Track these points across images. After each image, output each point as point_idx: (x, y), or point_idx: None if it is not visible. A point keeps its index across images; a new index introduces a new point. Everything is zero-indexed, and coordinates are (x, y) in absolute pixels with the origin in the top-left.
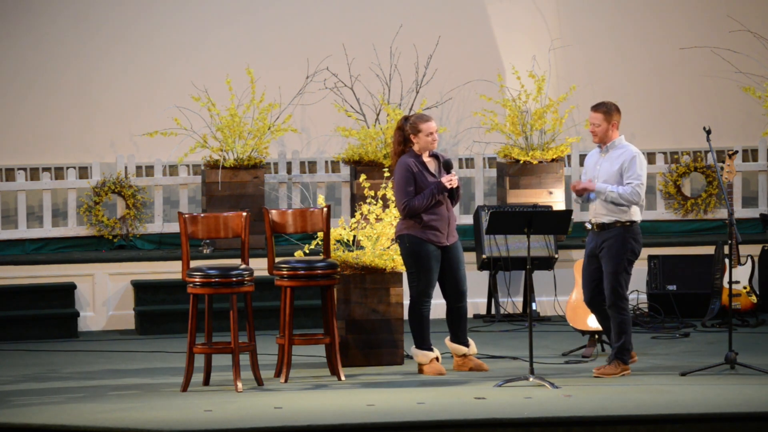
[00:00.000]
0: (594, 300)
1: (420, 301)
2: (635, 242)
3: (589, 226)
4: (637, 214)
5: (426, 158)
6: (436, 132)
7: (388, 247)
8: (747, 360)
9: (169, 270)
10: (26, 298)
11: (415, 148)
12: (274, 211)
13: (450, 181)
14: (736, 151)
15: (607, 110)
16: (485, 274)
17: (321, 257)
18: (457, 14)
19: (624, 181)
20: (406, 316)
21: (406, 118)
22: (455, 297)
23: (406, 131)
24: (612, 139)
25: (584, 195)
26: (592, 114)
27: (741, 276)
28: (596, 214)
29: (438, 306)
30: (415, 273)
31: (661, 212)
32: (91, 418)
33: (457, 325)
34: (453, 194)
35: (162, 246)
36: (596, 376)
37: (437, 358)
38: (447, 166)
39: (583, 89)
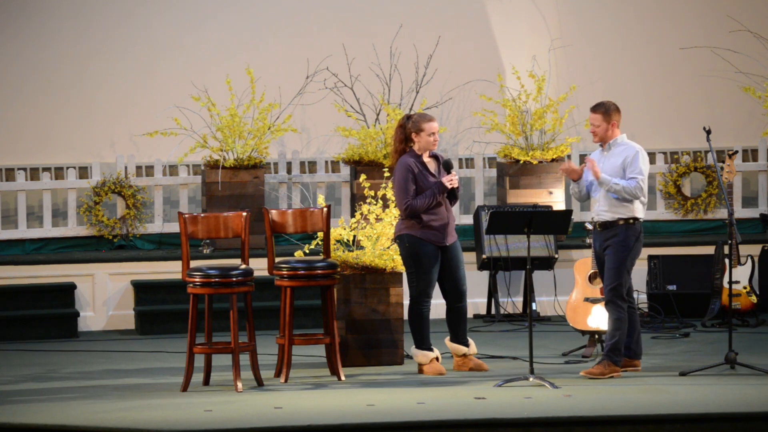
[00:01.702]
0: None
1: (420, 301)
2: (637, 241)
3: (590, 226)
4: (640, 211)
5: (426, 158)
6: (438, 132)
7: (388, 247)
8: (747, 360)
9: (169, 270)
10: (26, 298)
11: (415, 147)
12: (274, 211)
13: (451, 181)
14: (736, 151)
15: (606, 110)
16: (485, 274)
17: (321, 257)
18: (457, 14)
19: (627, 176)
20: (406, 316)
21: (408, 117)
22: (455, 297)
23: (408, 129)
24: (613, 137)
25: (581, 184)
26: (591, 115)
27: (741, 276)
28: (598, 212)
29: (438, 306)
30: (415, 273)
31: (661, 212)
32: (91, 418)
33: (457, 325)
34: (453, 194)
35: (162, 246)
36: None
37: (437, 358)
38: (447, 167)
39: (583, 89)
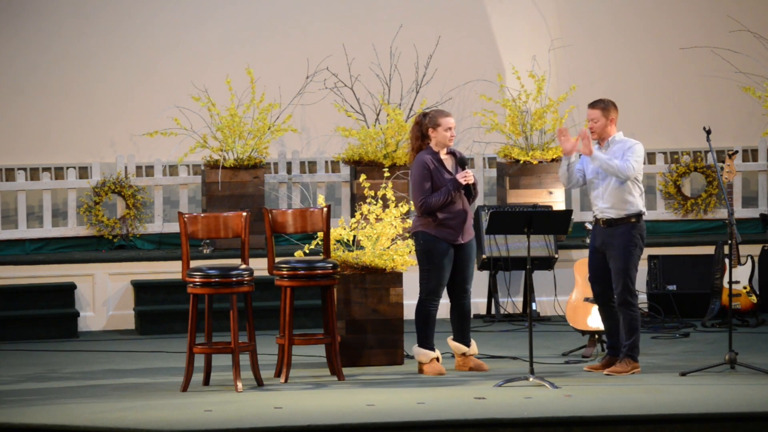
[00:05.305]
0: (605, 294)
1: (428, 299)
2: (641, 238)
3: (590, 226)
4: (642, 205)
5: (443, 155)
6: (454, 128)
7: (388, 247)
8: (747, 360)
9: (169, 270)
10: (26, 298)
11: (432, 143)
12: (274, 211)
13: (464, 177)
14: (736, 151)
15: (605, 106)
16: (485, 274)
17: (321, 257)
18: (457, 14)
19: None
20: (406, 316)
21: (424, 114)
22: (459, 294)
23: (425, 126)
24: (610, 135)
25: (571, 162)
26: (590, 111)
27: (741, 276)
28: (602, 209)
29: (440, 306)
30: (427, 271)
31: (661, 212)
32: (91, 418)
33: (461, 324)
34: (470, 191)
35: (162, 246)
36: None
37: (437, 358)
38: (462, 163)
39: (583, 89)
